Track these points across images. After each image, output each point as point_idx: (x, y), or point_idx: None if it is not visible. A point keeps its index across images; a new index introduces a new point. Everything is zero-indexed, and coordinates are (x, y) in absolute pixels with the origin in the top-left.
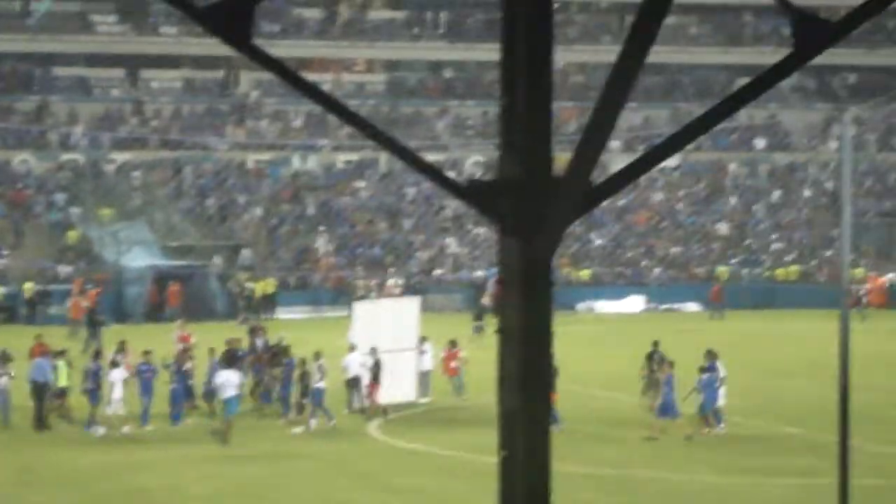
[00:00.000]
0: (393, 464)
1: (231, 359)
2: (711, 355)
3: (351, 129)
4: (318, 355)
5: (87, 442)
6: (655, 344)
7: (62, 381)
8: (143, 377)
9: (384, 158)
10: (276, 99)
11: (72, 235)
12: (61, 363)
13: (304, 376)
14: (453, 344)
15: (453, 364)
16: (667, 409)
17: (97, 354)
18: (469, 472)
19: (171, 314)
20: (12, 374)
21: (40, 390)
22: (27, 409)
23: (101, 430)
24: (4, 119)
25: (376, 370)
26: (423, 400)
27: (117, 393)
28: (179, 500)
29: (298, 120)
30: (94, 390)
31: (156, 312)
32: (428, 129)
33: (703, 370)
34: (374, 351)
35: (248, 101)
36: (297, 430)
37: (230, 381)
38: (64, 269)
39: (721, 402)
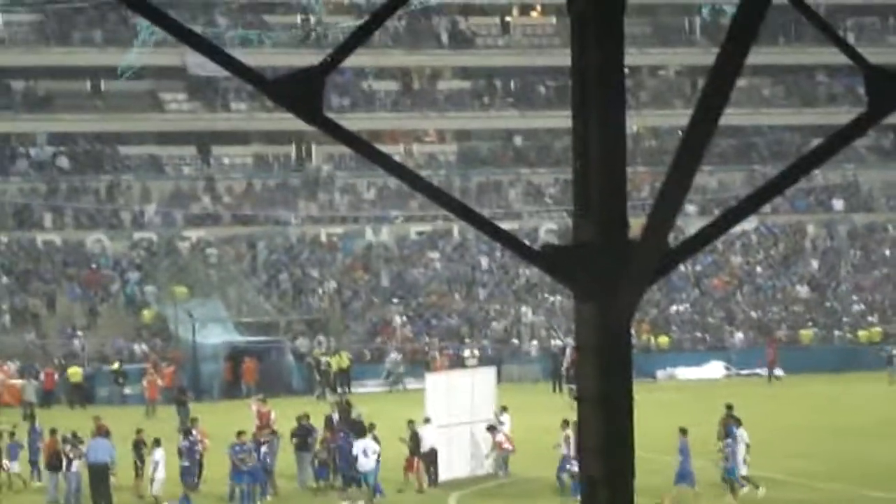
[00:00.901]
0: None
1: (304, 435)
2: (730, 419)
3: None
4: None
5: None
6: (729, 408)
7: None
8: (237, 458)
9: (457, 228)
10: (348, 172)
11: (147, 314)
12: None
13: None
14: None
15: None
16: (683, 476)
17: (188, 432)
18: None
19: (247, 390)
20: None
21: (101, 471)
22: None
23: None
24: (77, 199)
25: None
26: (502, 473)
27: (161, 472)
28: None
29: (370, 192)
30: (189, 467)
31: (232, 389)
32: (500, 198)
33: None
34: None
35: (319, 174)
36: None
37: (368, 449)
38: (139, 348)
39: (743, 469)
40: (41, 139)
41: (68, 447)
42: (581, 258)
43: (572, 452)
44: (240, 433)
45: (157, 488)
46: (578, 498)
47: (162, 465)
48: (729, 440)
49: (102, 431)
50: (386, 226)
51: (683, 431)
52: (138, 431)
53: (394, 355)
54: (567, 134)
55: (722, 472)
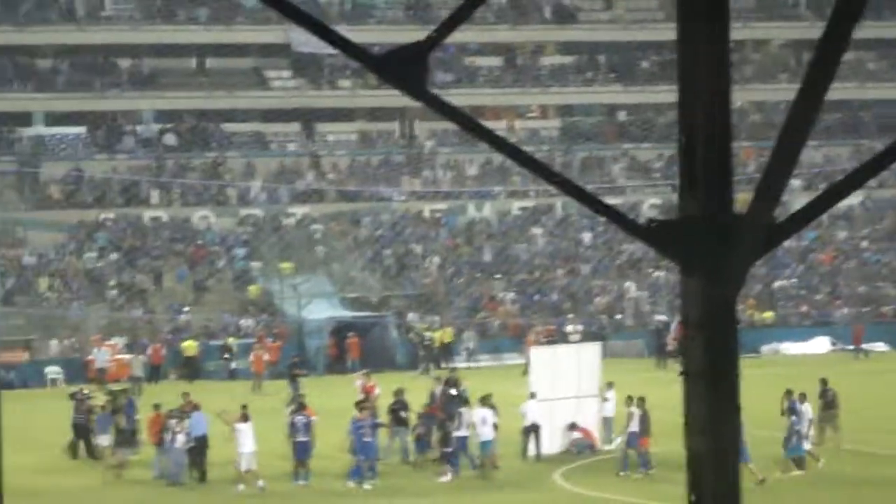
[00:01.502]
0: None
1: (400, 410)
2: (790, 395)
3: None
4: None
5: (276, 496)
6: (824, 383)
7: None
8: (359, 432)
9: (560, 203)
10: (451, 148)
11: (253, 289)
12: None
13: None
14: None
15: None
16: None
17: (301, 407)
18: None
19: (351, 365)
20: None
21: (198, 445)
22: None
23: (241, 487)
24: (184, 176)
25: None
26: (608, 447)
27: (248, 447)
28: None
29: (473, 168)
30: (305, 443)
31: (336, 364)
32: (603, 173)
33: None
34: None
35: (423, 150)
36: (442, 478)
37: (487, 418)
38: (246, 323)
39: (806, 444)
40: (147, 116)
41: (174, 422)
42: (687, 232)
43: (638, 428)
44: (362, 408)
45: (245, 463)
46: (645, 472)
47: (249, 439)
48: (794, 417)
49: (192, 407)
50: (489, 201)
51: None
52: (243, 407)
53: (468, 333)
54: (670, 109)
55: (785, 448)
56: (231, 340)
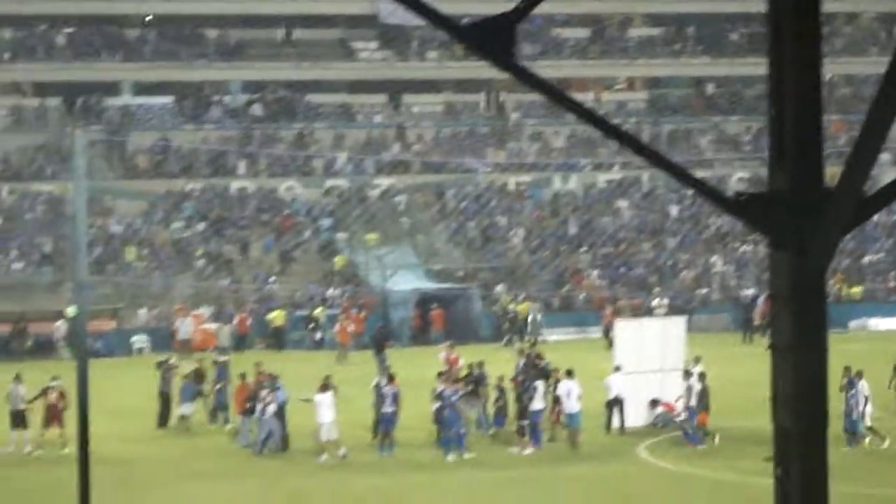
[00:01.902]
0: (660, 486)
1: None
2: (848, 372)
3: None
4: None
5: (361, 466)
6: None
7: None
8: (444, 404)
9: (646, 176)
10: (537, 120)
11: (338, 260)
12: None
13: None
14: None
15: None
16: None
17: (388, 378)
18: (739, 494)
19: (435, 337)
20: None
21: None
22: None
23: (323, 457)
24: (270, 147)
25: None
26: (660, 424)
27: (327, 417)
28: None
29: (559, 140)
30: (393, 413)
31: (420, 335)
32: (691, 146)
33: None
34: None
35: (508, 122)
36: (517, 449)
37: (573, 391)
38: (331, 294)
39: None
40: (234, 87)
41: (265, 392)
42: (777, 206)
43: (696, 403)
44: (446, 380)
45: (325, 433)
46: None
47: (328, 409)
48: (853, 391)
49: (267, 378)
50: (574, 174)
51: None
52: (326, 377)
53: (535, 305)
54: (759, 81)
55: (844, 424)
56: (319, 311)
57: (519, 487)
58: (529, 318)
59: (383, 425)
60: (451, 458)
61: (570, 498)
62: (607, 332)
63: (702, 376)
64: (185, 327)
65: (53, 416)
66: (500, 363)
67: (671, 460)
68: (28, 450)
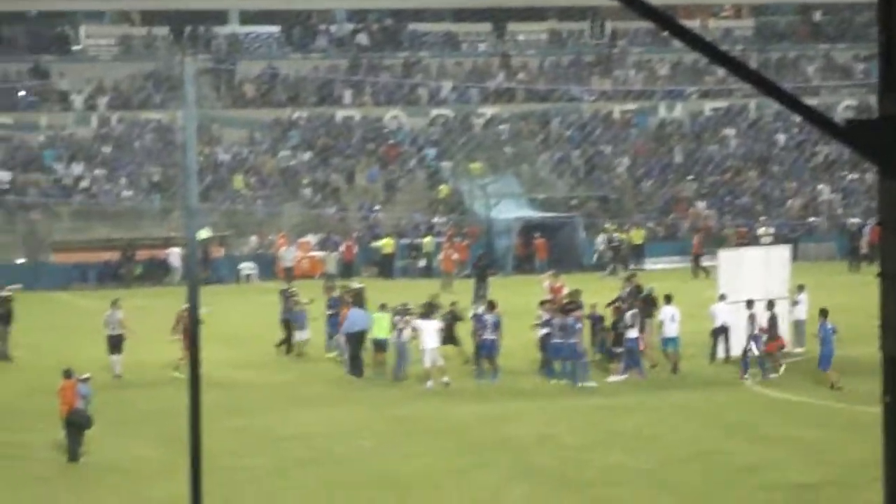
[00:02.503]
0: (766, 414)
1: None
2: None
3: (718, 76)
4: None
5: (465, 393)
6: None
7: (382, 333)
8: (547, 332)
9: (753, 104)
10: (642, 47)
11: (443, 189)
12: (378, 315)
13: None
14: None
15: None
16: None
17: (491, 305)
18: (845, 422)
19: (539, 266)
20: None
21: (355, 339)
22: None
23: (429, 384)
24: (375, 75)
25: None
26: (798, 349)
27: (430, 343)
28: (553, 449)
29: (664, 68)
30: (494, 341)
31: (524, 264)
32: (798, 74)
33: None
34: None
35: (613, 50)
36: (614, 378)
37: (675, 315)
38: (436, 222)
39: None
40: (340, 16)
41: (398, 318)
42: (887, 133)
43: (755, 332)
44: (561, 308)
45: (429, 360)
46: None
47: (431, 336)
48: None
49: (353, 301)
50: (680, 102)
51: (824, 314)
52: (427, 304)
53: (601, 237)
54: (868, 8)
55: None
56: (428, 240)
57: (623, 415)
58: (598, 249)
59: (484, 352)
60: (554, 384)
61: (676, 425)
62: (697, 260)
63: (770, 305)
64: (289, 255)
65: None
66: (605, 292)
67: (776, 388)
68: (118, 372)
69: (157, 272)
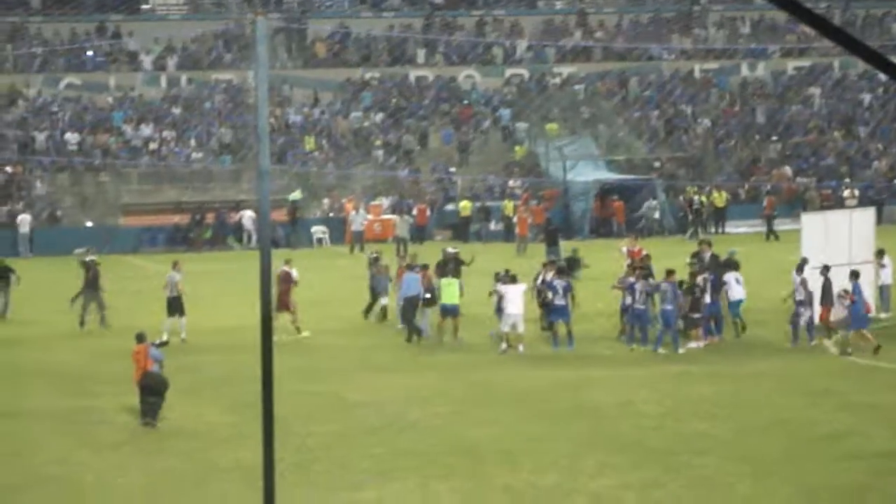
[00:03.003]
0: (851, 381)
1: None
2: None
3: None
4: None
5: (539, 360)
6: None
7: (451, 299)
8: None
9: (837, 63)
10: (723, 5)
11: (518, 151)
12: (446, 281)
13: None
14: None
15: None
16: (857, 321)
17: (559, 271)
18: None
19: (617, 229)
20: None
21: (410, 304)
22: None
23: (503, 346)
24: (449, 35)
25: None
26: (884, 315)
27: (514, 308)
28: (632, 416)
29: (746, 26)
30: (564, 307)
31: (602, 227)
32: (883, 32)
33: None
34: (825, 269)
35: (694, 8)
36: (693, 345)
37: (741, 279)
38: (512, 185)
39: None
40: None
41: (499, 285)
42: None
43: (805, 297)
44: (639, 273)
45: (508, 324)
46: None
47: (510, 302)
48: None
49: (410, 269)
50: (762, 61)
51: (855, 275)
52: (506, 271)
53: (649, 203)
54: None
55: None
56: (506, 202)
57: (703, 382)
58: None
59: (556, 318)
60: (632, 351)
61: (756, 392)
62: (769, 222)
63: (826, 269)
64: (359, 219)
65: (284, 302)
66: (683, 256)
67: (860, 354)
68: (183, 336)
69: (225, 235)
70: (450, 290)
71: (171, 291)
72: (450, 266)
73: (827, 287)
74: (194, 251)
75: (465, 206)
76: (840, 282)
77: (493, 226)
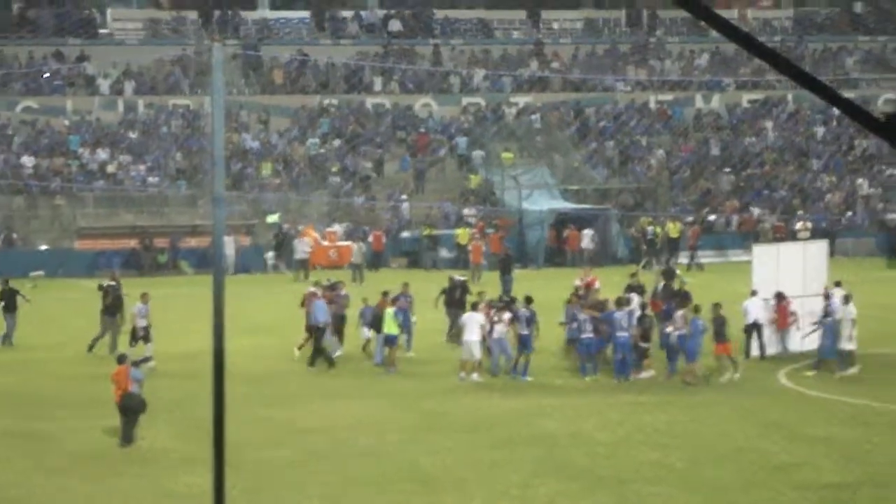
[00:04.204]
0: (802, 413)
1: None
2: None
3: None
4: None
5: (493, 388)
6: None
7: (390, 329)
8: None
9: (791, 96)
10: (679, 37)
11: (474, 179)
12: (390, 311)
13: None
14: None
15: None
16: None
17: (528, 300)
18: (882, 422)
19: (571, 259)
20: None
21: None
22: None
23: (461, 376)
24: (407, 62)
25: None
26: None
27: (473, 335)
28: (584, 445)
29: (702, 58)
30: (528, 336)
31: (556, 256)
32: (837, 66)
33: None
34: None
35: (650, 40)
36: (644, 374)
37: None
38: (467, 213)
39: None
40: (372, 2)
41: (493, 311)
42: None
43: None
44: (582, 303)
45: (468, 353)
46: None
47: (474, 328)
48: (829, 318)
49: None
50: (717, 93)
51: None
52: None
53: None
54: None
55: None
56: (461, 231)
57: (655, 411)
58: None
59: (518, 348)
60: (588, 379)
61: (709, 422)
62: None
63: (779, 296)
64: (302, 246)
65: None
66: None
67: (811, 387)
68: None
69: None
70: (389, 321)
71: (140, 322)
72: (457, 293)
73: (719, 324)
74: (147, 276)
75: (462, 233)
76: (798, 312)
77: (444, 253)
